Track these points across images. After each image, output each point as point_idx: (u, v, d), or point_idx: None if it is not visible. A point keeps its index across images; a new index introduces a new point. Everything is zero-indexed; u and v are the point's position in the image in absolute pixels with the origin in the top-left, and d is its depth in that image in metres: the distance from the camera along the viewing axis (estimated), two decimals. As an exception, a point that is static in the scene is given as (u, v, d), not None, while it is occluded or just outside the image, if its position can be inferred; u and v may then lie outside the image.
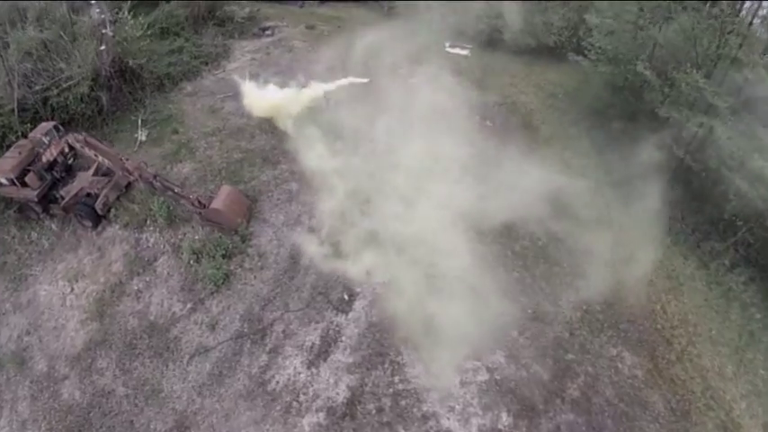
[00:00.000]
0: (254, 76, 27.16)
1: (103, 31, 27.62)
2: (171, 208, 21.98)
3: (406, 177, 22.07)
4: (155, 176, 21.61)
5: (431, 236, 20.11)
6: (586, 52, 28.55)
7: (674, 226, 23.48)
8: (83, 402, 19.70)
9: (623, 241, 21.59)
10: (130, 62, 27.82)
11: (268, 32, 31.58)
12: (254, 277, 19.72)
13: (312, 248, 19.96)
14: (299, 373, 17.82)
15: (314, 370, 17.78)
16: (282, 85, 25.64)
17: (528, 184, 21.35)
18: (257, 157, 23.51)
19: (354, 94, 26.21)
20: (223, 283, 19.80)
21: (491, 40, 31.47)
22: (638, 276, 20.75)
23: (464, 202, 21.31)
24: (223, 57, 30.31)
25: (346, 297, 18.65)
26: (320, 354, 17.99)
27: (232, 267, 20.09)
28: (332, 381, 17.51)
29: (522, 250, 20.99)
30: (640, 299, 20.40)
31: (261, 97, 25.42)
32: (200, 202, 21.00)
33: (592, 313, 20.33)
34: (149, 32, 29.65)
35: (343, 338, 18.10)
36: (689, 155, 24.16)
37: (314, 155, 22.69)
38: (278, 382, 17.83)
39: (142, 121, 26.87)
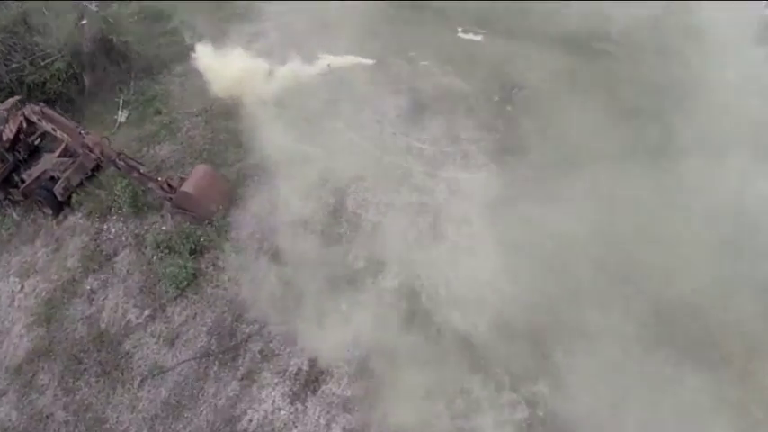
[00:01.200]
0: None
1: (85, 3, 21.46)
2: (139, 193, 15.61)
3: (420, 163, 15.60)
4: (118, 154, 15.28)
5: (450, 234, 13.67)
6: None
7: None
8: (19, 426, 13.36)
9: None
10: (115, 39, 21.52)
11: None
12: (228, 279, 13.29)
13: (303, 245, 13.45)
14: (280, 410, 11.42)
15: (299, 405, 11.35)
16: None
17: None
18: (246, 138, 17.08)
19: (358, 74, 19.89)
20: (189, 286, 13.39)
21: (508, 27, 25.14)
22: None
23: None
24: (220, 39, 23.90)
25: (344, 308, 12.20)
26: (308, 383, 11.55)
27: (202, 266, 13.69)
28: (322, 421, 11.08)
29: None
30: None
31: (222, 67, 18.31)
32: (169, 185, 14.63)
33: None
34: (142, 15, 23.61)
35: (340, 363, 11.61)
36: None
37: (307, 136, 16.24)
38: (251, 420, 11.43)
39: (125, 101, 20.53)
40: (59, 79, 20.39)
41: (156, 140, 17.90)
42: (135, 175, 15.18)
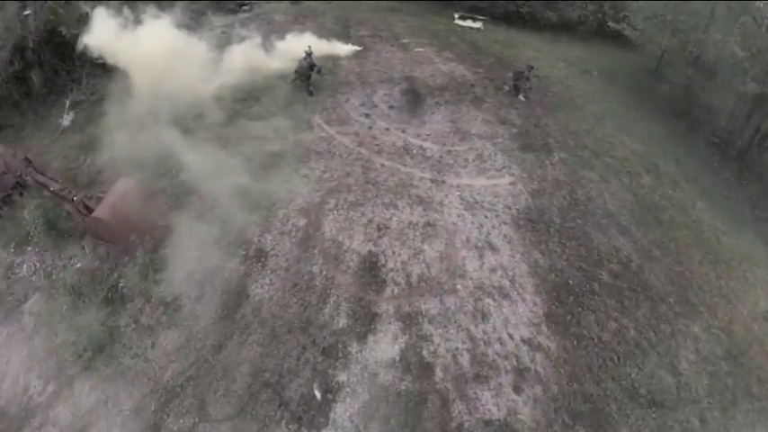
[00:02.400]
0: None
1: (28, -6, 15.67)
2: (59, 216, 10.09)
3: (423, 167, 10.11)
4: (27, 166, 9.80)
5: (471, 268, 8.24)
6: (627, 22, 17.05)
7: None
8: None
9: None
10: (65, 31, 15.76)
11: (245, 7, 19.39)
12: (153, 345, 7.82)
13: (260, 290, 7.98)
14: None
15: None
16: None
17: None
18: (200, 140, 11.53)
19: (341, 62, 14.33)
20: (100, 353, 7.93)
21: (507, 14, 19.48)
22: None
23: (511, 202, 9.41)
24: (189, 32, 18.18)
25: (318, 394, 6.76)
26: None
27: (121, 322, 8.20)
28: None
29: (611, 280, 9.07)
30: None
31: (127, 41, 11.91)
32: (85, 205, 9.16)
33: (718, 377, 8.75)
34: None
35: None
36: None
37: (278, 131, 10.72)
38: None
39: (73, 102, 14.88)
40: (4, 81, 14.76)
41: (95, 147, 12.29)
42: (46, 193, 9.70)
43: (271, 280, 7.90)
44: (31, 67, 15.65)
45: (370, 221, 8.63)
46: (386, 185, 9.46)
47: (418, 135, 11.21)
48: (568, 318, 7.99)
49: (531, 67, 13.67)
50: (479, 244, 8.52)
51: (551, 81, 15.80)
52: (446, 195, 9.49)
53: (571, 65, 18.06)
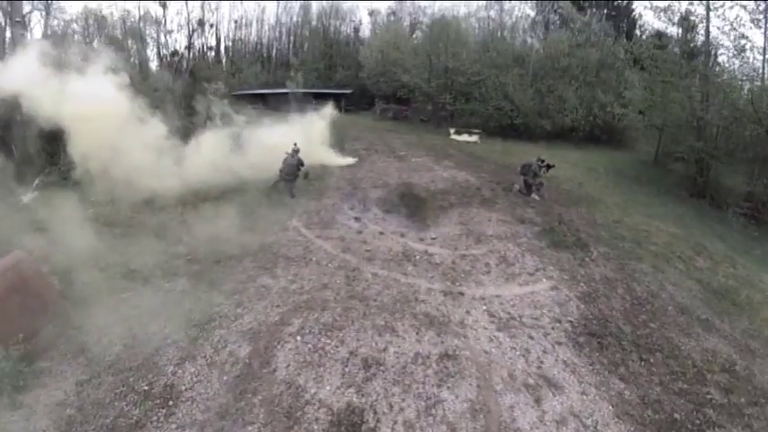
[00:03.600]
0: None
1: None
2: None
3: (431, 276, 7.37)
4: None
5: (501, 406, 4.85)
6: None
7: None
8: None
9: None
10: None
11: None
12: None
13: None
14: None
15: None
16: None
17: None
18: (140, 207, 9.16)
19: (338, 169, 12.86)
20: None
21: (501, 127, 19.04)
22: None
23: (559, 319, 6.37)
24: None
25: None
26: None
27: None
28: None
29: (724, 398, 5.39)
30: None
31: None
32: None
33: None
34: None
35: None
36: None
37: (243, 232, 8.30)
38: None
39: (44, 183, 13.14)
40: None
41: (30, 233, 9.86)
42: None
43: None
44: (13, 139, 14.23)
45: (352, 354, 5.57)
46: (379, 301, 6.66)
47: (421, 239, 8.81)
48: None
49: (542, 161, 11.95)
50: (531, 381, 5.32)
51: (560, 180, 14.14)
52: (467, 312, 6.59)
53: (575, 165, 16.84)
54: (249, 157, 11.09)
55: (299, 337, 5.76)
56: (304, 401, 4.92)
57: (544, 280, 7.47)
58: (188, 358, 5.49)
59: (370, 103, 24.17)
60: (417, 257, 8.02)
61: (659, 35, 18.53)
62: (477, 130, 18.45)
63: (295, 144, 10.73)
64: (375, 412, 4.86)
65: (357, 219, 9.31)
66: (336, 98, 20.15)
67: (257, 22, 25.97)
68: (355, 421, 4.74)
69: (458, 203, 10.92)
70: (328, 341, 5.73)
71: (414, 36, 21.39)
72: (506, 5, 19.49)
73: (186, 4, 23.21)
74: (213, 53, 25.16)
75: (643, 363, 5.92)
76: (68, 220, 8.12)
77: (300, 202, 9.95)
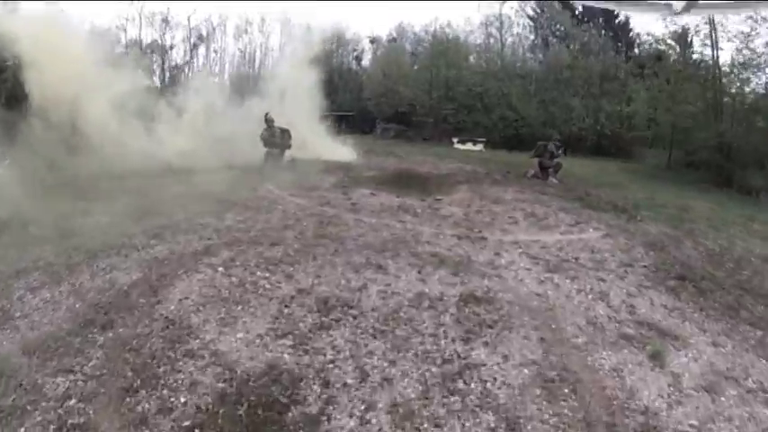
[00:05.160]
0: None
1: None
2: None
3: (436, 224, 5.18)
4: None
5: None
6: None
7: None
8: None
9: None
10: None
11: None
12: None
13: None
14: None
15: None
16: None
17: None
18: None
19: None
20: None
21: (506, 138, 17.54)
22: None
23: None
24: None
25: None
26: None
27: None
28: None
29: None
30: None
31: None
32: None
33: None
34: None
35: None
36: None
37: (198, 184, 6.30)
38: None
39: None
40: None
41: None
42: None
43: None
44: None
45: (302, 292, 3.42)
46: (361, 241, 4.49)
47: (423, 200, 6.73)
48: None
49: (559, 140, 10.15)
50: (629, 330, 3.21)
51: (575, 175, 12.19)
52: (496, 254, 4.48)
53: (587, 167, 15.08)
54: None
55: (220, 269, 3.68)
56: (184, 352, 2.70)
57: (591, 230, 5.33)
58: (50, 283, 3.35)
59: (371, 126, 23.14)
60: (419, 210, 5.96)
61: (658, 55, 17.73)
62: (481, 139, 16.97)
63: (267, 114, 9.24)
64: (326, 383, 2.57)
65: (344, 187, 7.31)
66: (337, 120, 19.16)
67: (260, 48, 26.01)
68: (275, 398, 2.45)
69: (466, 182, 9.00)
70: (266, 275, 3.59)
71: (414, 54, 20.75)
72: (506, 22, 18.97)
73: (190, 31, 23.27)
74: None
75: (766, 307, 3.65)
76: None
77: (280, 174, 8.06)
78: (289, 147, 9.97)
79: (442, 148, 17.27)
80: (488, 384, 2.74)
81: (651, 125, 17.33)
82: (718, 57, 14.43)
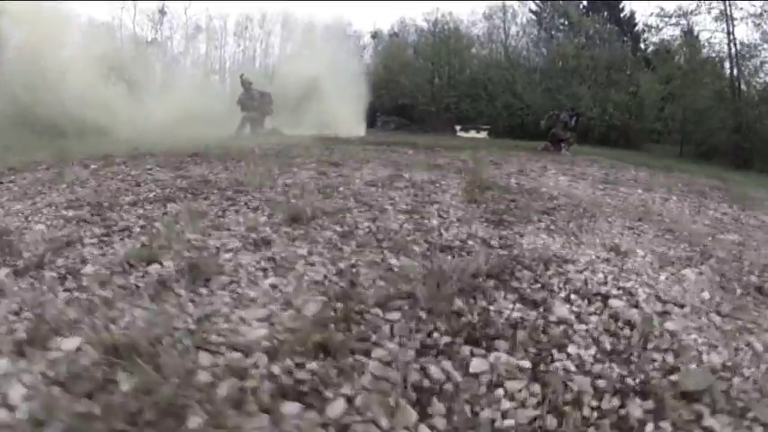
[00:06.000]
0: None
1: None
2: None
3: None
4: None
5: None
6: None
7: None
8: None
9: None
10: None
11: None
12: None
13: None
14: None
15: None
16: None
17: None
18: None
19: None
20: None
21: (510, 127, 16.79)
22: None
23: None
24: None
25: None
26: None
27: None
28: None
29: None
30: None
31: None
32: None
33: None
34: None
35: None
36: None
37: None
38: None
39: None
40: None
41: None
42: None
43: None
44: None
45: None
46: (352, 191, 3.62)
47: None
48: None
49: (573, 109, 9.38)
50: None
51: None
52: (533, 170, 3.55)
53: (597, 154, 14.22)
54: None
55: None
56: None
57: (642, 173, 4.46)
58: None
59: (371, 120, 22.44)
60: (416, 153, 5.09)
61: (666, 49, 17.09)
62: (485, 126, 16.21)
63: (242, 75, 8.47)
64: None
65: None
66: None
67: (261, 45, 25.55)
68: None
69: (472, 149, 8.13)
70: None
71: (416, 50, 20.16)
72: (509, 13, 18.41)
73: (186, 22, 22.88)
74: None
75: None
76: None
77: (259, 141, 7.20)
78: (270, 113, 8.98)
79: (444, 138, 16.52)
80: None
81: (661, 117, 16.66)
82: (733, 33, 13.70)
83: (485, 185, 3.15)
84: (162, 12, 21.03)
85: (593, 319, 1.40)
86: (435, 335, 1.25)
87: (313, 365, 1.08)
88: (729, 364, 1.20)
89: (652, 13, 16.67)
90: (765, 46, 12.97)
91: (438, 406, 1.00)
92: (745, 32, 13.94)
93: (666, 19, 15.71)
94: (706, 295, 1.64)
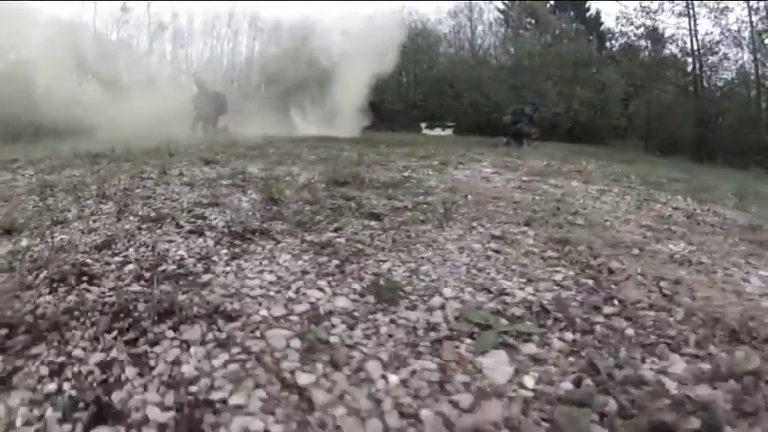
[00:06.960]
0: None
1: None
2: None
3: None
4: None
5: None
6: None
7: None
8: None
9: None
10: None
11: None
12: None
13: None
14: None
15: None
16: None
17: None
18: None
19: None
20: None
21: (477, 124, 16.27)
22: None
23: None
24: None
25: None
26: None
27: None
28: None
29: None
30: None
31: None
32: None
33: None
34: None
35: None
36: None
37: None
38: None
39: None
40: None
41: None
42: None
43: None
44: None
45: None
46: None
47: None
48: None
49: (535, 103, 8.84)
50: None
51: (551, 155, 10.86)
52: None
53: (561, 150, 13.83)
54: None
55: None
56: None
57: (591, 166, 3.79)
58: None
59: (338, 120, 21.59)
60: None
61: (630, 47, 17.01)
62: (451, 124, 15.61)
63: (195, 74, 7.70)
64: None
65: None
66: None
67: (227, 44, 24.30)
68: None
69: (413, 146, 7.41)
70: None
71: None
72: (475, 11, 17.92)
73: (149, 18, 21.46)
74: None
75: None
76: None
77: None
78: (223, 112, 8.34)
79: (409, 136, 15.86)
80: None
81: (625, 113, 16.56)
82: (696, 29, 13.61)
83: (341, 180, 2.73)
84: (124, 10, 19.56)
85: None
86: None
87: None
88: None
89: (618, 17, 16.55)
90: (725, 42, 12.95)
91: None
92: (707, 29, 13.89)
93: (633, 20, 15.63)
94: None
